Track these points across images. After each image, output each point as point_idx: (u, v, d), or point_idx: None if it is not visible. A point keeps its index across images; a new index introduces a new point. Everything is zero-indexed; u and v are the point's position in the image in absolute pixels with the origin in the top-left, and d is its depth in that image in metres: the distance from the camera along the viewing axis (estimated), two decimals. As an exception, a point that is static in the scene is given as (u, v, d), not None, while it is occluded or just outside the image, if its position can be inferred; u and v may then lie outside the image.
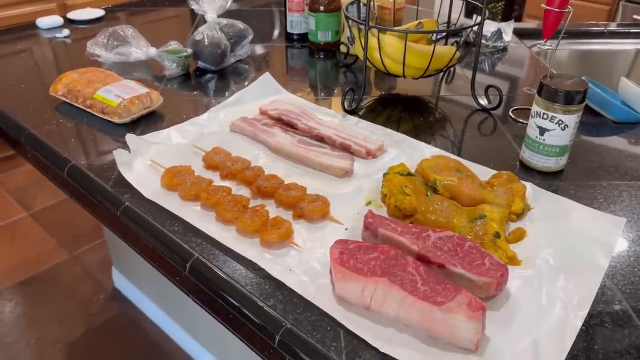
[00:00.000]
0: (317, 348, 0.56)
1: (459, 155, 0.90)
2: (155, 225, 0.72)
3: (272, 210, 0.76)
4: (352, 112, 1.04)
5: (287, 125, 0.97)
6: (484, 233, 0.69)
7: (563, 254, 0.67)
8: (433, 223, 0.71)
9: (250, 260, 0.66)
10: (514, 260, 0.67)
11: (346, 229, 0.72)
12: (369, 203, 0.77)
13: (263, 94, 1.08)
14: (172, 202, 0.77)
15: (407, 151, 0.90)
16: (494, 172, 0.82)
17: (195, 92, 1.14)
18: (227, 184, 0.81)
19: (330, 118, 1.01)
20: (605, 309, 0.61)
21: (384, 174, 0.79)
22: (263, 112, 1.01)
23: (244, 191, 0.80)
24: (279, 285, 0.63)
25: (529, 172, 0.86)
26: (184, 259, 0.67)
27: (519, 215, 0.75)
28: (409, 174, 0.78)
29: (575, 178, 0.84)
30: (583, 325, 0.58)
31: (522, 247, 0.69)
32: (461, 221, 0.71)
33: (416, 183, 0.77)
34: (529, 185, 0.79)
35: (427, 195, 0.76)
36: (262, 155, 0.89)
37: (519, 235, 0.71)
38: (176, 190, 0.79)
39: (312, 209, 0.73)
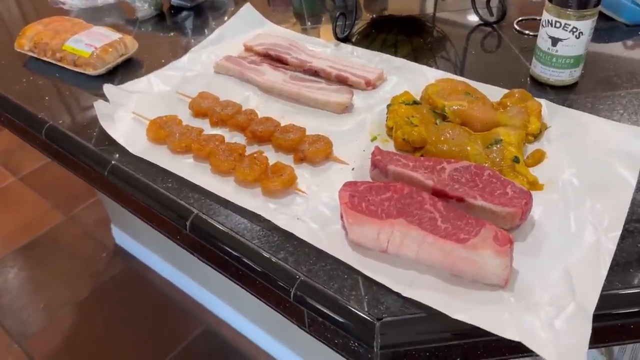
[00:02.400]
0: (336, 299, 0.52)
1: (464, 76, 0.83)
2: (147, 184, 0.67)
3: (271, 155, 0.70)
4: (344, 39, 0.96)
5: (276, 60, 0.89)
6: (501, 159, 0.64)
7: (587, 173, 0.63)
8: (445, 153, 0.66)
9: (254, 212, 0.61)
10: (535, 185, 0.62)
11: (353, 169, 0.67)
12: (374, 138, 0.72)
13: (246, 28, 1.00)
14: (162, 157, 0.71)
15: (409, 77, 0.84)
16: (505, 91, 0.76)
17: (172, 33, 1.05)
18: (218, 131, 0.75)
19: (322, 49, 0.93)
20: (639, 227, 0.57)
21: (388, 105, 0.73)
22: (248, 49, 0.93)
23: (238, 138, 0.74)
24: (287, 236, 0.58)
25: (541, 87, 0.80)
26: (183, 216, 0.63)
27: (536, 136, 0.70)
28: (415, 102, 0.72)
29: (591, 90, 0.79)
30: (617, 247, 0.54)
31: (543, 170, 0.65)
32: (476, 148, 0.66)
33: (423, 112, 0.71)
34: (543, 102, 0.74)
35: (436, 123, 0.70)
36: (253, 97, 0.82)
37: (539, 158, 0.66)
38: (165, 143, 0.72)
39: (315, 151, 0.68)
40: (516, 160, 0.64)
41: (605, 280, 0.51)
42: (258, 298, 0.59)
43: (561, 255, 0.54)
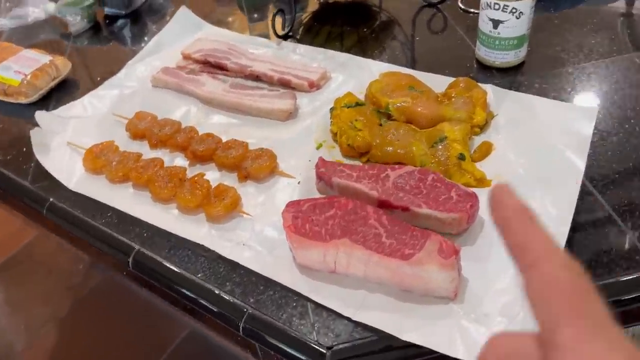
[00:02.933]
0: (285, 330, 0.50)
1: (411, 66, 0.81)
2: (85, 221, 0.64)
3: (215, 175, 0.67)
4: (286, 36, 0.92)
5: (216, 67, 0.85)
6: (446, 158, 0.62)
7: (536, 164, 0.62)
8: (391, 156, 0.64)
9: (198, 243, 0.59)
10: (483, 182, 0.61)
11: (299, 182, 0.65)
12: (319, 146, 0.69)
13: (183, 33, 0.95)
14: (100, 189, 0.68)
15: (355, 73, 0.81)
16: (451, 79, 0.74)
17: (110, 44, 1.01)
18: (158, 153, 0.72)
19: (264, 49, 0.90)
20: (589, 219, 0.56)
21: (331, 109, 0.71)
22: (186, 57, 0.89)
23: (180, 159, 0.71)
24: (233, 265, 0.56)
25: (487, 71, 0.78)
26: (125, 253, 0.60)
27: (483, 127, 0.68)
28: (358, 103, 0.70)
29: (538, 69, 0.77)
30: (566, 243, 0.53)
31: (491, 164, 0.63)
32: (421, 149, 0.64)
33: (367, 113, 0.68)
34: (489, 89, 0.72)
35: (380, 124, 0.68)
36: (194, 110, 0.79)
37: (486, 151, 0.65)
38: (102, 172, 0.69)
39: (258, 167, 0.65)
40: (462, 157, 0.62)
41: (555, 281, 0.50)
42: (211, 331, 0.58)
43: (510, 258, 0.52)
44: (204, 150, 0.69)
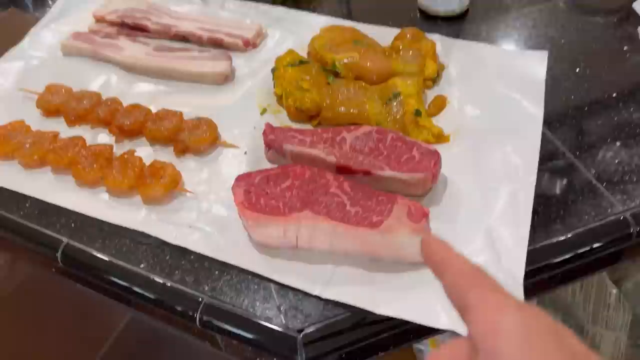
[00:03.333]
0: (249, 316, 0.45)
1: (351, 18, 0.75)
2: (1, 215, 0.55)
3: (147, 151, 0.60)
4: (212, -8, 0.83)
5: (135, 29, 0.76)
6: (402, 114, 0.58)
7: (493, 114, 0.59)
8: (344, 117, 0.59)
9: (132, 229, 0.52)
10: (441, 138, 0.58)
11: (245, 152, 0.58)
12: (263, 111, 0.63)
13: (94, -7, 0.84)
14: (13, 177, 0.58)
15: (292, 29, 0.74)
16: (395, 31, 0.69)
17: (7, 10, 0.88)
18: (79, 131, 0.63)
19: (187, 7, 0.81)
20: (553, 167, 0.54)
21: (272, 70, 0.64)
22: (99, 19, 0.78)
23: (103, 136, 0.62)
24: (180, 251, 0.50)
25: (432, 21, 0.74)
26: (52, 247, 0.52)
27: (435, 80, 0.64)
28: (302, 62, 0.64)
29: (484, 16, 0.74)
30: (535, 194, 0.51)
31: (447, 118, 0.60)
32: (374, 106, 0.59)
33: (313, 72, 0.63)
34: (437, 39, 0.68)
35: (328, 83, 0.62)
36: (114, 79, 0.70)
37: (440, 104, 0.61)
38: (14, 157, 0.60)
39: (197, 139, 0.58)
40: (418, 113, 0.58)
41: (529, 234, 0.48)
42: (164, 324, 0.51)
43: (480, 215, 0.50)
44: (132, 123, 0.61)
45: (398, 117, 0.58)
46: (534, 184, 0.51)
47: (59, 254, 0.52)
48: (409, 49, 0.66)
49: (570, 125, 0.58)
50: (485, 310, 0.25)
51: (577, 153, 0.55)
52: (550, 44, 0.67)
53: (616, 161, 0.54)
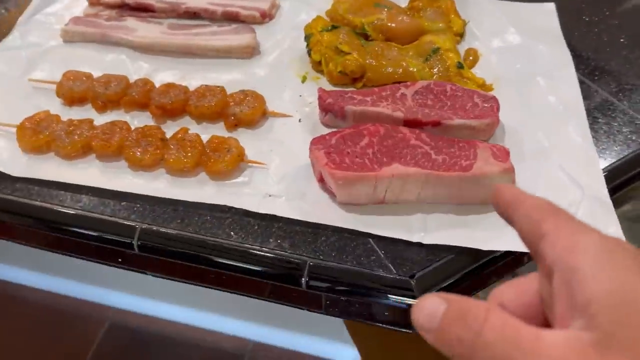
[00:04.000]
0: (358, 270, 0.46)
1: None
2: (53, 210, 0.51)
3: (195, 129, 0.58)
4: (206, -32, 0.81)
5: (139, 10, 0.72)
6: (445, 68, 0.61)
7: (525, 64, 0.63)
8: (389, 76, 0.60)
9: (214, 204, 0.51)
10: (485, 87, 0.60)
11: (300, 120, 0.58)
12: (304, 79, 0.63)
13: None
14: (56, 169, 0.54)
15: (305, -1, 0.74)
16: (407, -9, 0.72)
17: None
18: (112, 116, 0.60)
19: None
20: (591, 104, 0.58)
21: (306, 37, 0.64)
22: (94, 2, 0.73)
23: (140, 119, 0.59)
24: (268, 219, 0.50)
25: (437, -20, 0.76)
26: (128, 235, 0.49)
27: (462, 35, 0.67)
28: (334, 27, 0.64)
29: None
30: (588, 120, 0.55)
31: (484, 68, 0.63)
32: (417, 64, 0.61)
33: (348, 35, 0.63)
34: (451, -3, 0.70)
35: (362, 46, 0.63)
36: (130, 63, 0.66)
37: (475, 57, 0.64)
38: (50, 150, 0.56)
39: (249, 112, 0.57)
40: (460, 66, 0.61)
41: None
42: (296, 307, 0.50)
43: (544, 151, 0.53)
44: (174, 102, 0.58)
45: (442, 71, 0.60)
46: (585, 118, 0.56)
47: (135, 241, 0.49)
48: (429, 8, 0.68)
49: (599, 66, 0.63)
50: (562, 233, 0.24)
51: (612, 91, 0.60)
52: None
53: None
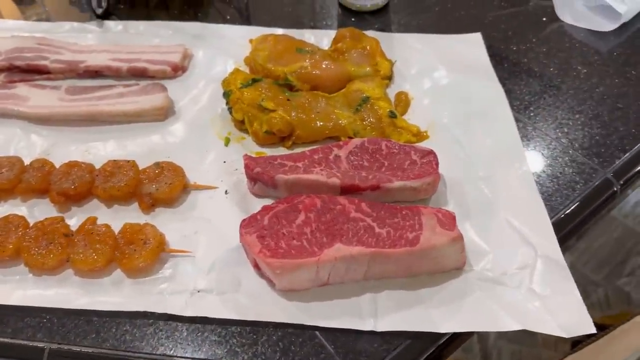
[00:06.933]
0: (306, 375, 0.41)
1: (270, 24, 0.70)
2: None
3: (104, 216, 0.50)
4: (106, 14, 0.73)
5: (31, 72, 0.64)
6: (377, 119, 0.56)
7: (458, 103, 0.60)
8: (319, 132, 0.56)
9: (135, 311, 0.44)
10: (420, 135, 0.57)
11: (226, 191, 0.52)
12: (227, 141, 0.57)
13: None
14: (-63, 286, 0.46)
15: (217, 44, 0.68)
16: (327, 32, 0.68)
17: None
18: (4, 209, 0.51)
19: (84, 36, 0.70)
20: (530, 145, 0.56)
21: (225, 94, 0.58)
22: (-23, 66, 0.64)
23: (41, 208, 0.51)
24: (198, 322, 0.43)
25: (357, 17, 0.73)
26: (35, 359, 0.42)
27: (390, 77, 0.63)
28: (255, 80, 0.58)
29: (407, 5, 0.74)
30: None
31: (417, 113, 0.59)
32: (345, 116, 0.56)
33: (268, 89, 0.58)
34: (376, 36, 0.67)
35: (287, 99, 0.58)
36: (24, 138, 0.58)
37: (406, 102, 0.61)
38: None
39: (167, 189, 0.50)
40: (392, 115, 0.57)
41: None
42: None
43: (490, 205, 0.50)
44: (79, 185, 0.51)
45: (374, 123, 0.56)
46: (526, 160, 0.53)
47: (41, 367, 0.42)
48: (354, 50, 0.63)
49: (530, 103, 0.61)
50: None
51: (543, 127, 0.58)
52: (478, 26, 0.70)
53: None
